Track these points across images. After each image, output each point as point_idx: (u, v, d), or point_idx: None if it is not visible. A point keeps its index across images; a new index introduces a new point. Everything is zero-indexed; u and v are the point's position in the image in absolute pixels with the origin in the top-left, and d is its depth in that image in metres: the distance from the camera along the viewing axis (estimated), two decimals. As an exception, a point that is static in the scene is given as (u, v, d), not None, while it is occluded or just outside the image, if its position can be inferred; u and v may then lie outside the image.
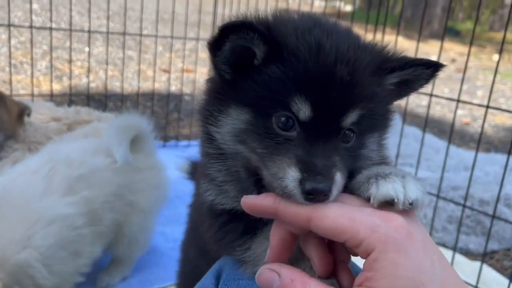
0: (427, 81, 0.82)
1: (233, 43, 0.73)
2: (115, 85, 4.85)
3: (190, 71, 4.79)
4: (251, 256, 0.81)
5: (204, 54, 5.40)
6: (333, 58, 0.72)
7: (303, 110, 0.70)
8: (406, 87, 0.83)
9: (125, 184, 1.79)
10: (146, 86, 4.93)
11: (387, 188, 0.67)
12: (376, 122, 0.78)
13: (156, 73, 4.02)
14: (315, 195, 0.65)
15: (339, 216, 0.63)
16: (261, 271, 0.68)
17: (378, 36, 2.47)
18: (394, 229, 0.62)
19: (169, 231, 2.35)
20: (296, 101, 0.70)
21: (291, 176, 0.67)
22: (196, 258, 1.16)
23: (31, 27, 2.77)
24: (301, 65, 0.71)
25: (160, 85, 5.05)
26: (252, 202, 0.70)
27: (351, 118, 0.72)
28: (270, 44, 0.72)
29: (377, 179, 0.69)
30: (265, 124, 0.72)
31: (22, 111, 2.34)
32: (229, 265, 0.89)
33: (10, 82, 2.97)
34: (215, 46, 0.74)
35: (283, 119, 0.72)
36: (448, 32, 15.05)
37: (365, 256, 0.62)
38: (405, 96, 0.87)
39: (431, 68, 0.80)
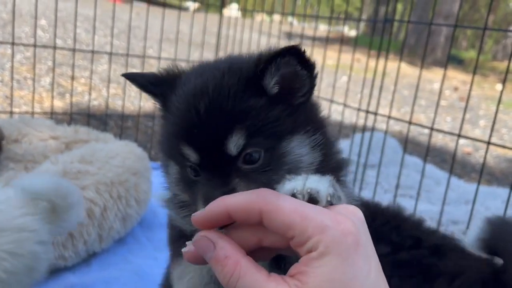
0: (303, 66, 0.77)
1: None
2: (117, 104, 4.85)
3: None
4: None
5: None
6: (194, 97, 0.76)
7: (192, 155, 0.76)
8: (291, 82, 0.79)
9: None
10: (147, 106, 4.93)
11: (290, 184, 0.69)
12: (281, 128, 0.77)
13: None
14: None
15: (292, 211, 0.62)
16: (198, 237, 0.67)
17: (381, 62, 2.47)
18: (342, 233, 0.62)
19: (163, 257, 2.30)
20: (184, 150, 0.76)
21: None
22: None
23: (34, 45, 2.78)
24: (176, 113, 0.78)
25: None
26: (201, 215, 0.68)
27: (233, 143, 0.73)
28: (161, 99, 0.83)
29: (285, 181, 0.72)
30: (185, 174, 0.81)
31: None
32: None
33: (11, 97, 2.97)
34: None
35: (189, 169, 0.79)
36: (451, 61, 15.18)
37: (305, 252, 0.62)
38: (302, 93, 0.82)
39: (287, 54, 0.74)
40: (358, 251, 0.62)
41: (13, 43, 2.73)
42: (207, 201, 0.68)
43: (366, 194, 2.57)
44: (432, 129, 2.01)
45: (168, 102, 0.81)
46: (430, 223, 2.49)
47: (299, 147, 0.79)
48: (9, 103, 3.94)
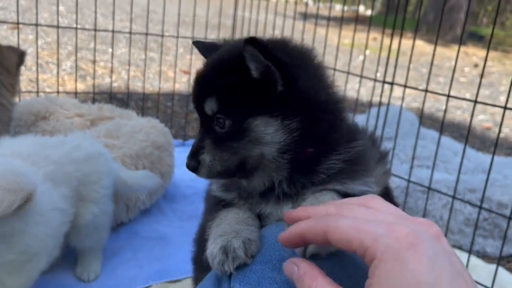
0: (276, 72, 0.89)
1: None
2: (136, 85, 4.95)
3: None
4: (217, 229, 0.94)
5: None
6: (201, 68, 0.98)
7: (196, 112, 0.99)
8: (269, 76, 0.90)
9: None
10: (166, 86, 5.02)
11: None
12: (250, 106, 0.91)
13: (177, 74, 4.09)
14: (192, 170, 0.96)
15: (349, 228, 0.69)
16: (286, 263, 0.78)
17: (396, 40, 2.48)
18: (396, 239, 0.64)
19: (187, 226, 2.41)
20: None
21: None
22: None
23: (57, 27, 2.87)
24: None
25: (180, 86, 5.14)
26: (285, 236, 0.80)
27: (209, 105, 0.92)
28: None
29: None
30: None
31: (22, 57, 2.33)
32: None
33: (37, 81, 3.08)
34: None
35: None
36: (472, 37, 14.82)
37: (370, 264, 0.66)
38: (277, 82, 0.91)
39: (249, 44, 0.85)
40: (418, 257, 0.62)
41: (37, 25, 2.82)
42: (190, 153, 0.96)
43: (383, 165, 2.61)
44: (448, 96, 2.03)
45: None
46: (447, 191, 2.53)
47: (264, 127, 0.91)
48: (33, 86, 4.08)
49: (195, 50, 1.11)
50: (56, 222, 1.58)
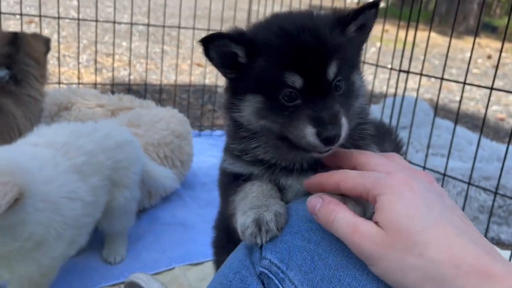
0: (375, 17, 0.99)
1: (216, 50, 0.92)
2: (151, 78, 5.03)
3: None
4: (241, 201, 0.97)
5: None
6: (296, 32, 0.89)
7: (297, 81, 0.87)
8: (364, 29, 0.99)
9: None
10: (180, 79, 5.08)
11: None
12: (353, 63, 0.96)
13: (191, 67, 4.16)
14: (331, 140, 0.85)
15: (355, 176, 0.84)
16: (311, 197, 0.87)
17: (411, 32, 2.50)
18: (392, 179, 0.79)
19: (205, 213, 2.48)
20: (288, 77, 0.87)
21: (309, 132, 0.85)
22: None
23: (78, 19, 2.94)
24: (276, 48, 0.89)
25: (194, 78, 5.20)
26: (307, 182, 0.93)
27: (332, 70, 0.88)
28: (244, 44, 0.91)
29: None
30: (276, 102, 0.90)
31: (47, 44, 2.35)
32: None
33: (59, 73, 3.16)
34: (206, 55, 0.93)
35: (286, 95, 0.89)
36: (485, 29, 14.64)
37: (374, 203, 0.79)
38: (367, 36, 1.02)
39: (373, 7, 0.96)
40: (412, 192, 0.76)
41: (58, 18, 2.89)
42: (317, 121, 0.85)
43: (398, 154, 2.65)
44: (464, 83, 2.05)
45: (255, 47, 0.90)
46: (462, 178, 2.56)
47: (359, 80, 0.98)
48: (51, 79, 4.17)
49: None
50: (73, 211, 1.57)
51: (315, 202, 0.86)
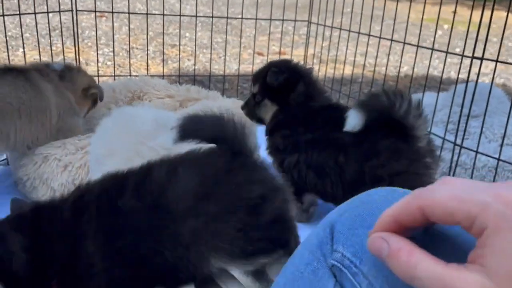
0: None
1: None
2: (213, 68, 5.15)
3: (284, 54, 4.92)
4: None
5: (297, 37, 5.48)
6: None
7: None
8: None
9: None
10: (241, 68, 5.16)
11: None
12: None
13: (252, 56, 4.22)
14: None
15: (449, 199, 0.63)
16: (372, 239, 0.71)
17: (487, 13, 2.35)
18: (506, 206, 0.59)
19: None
20: None
21: None
22: None
23: (146, 14, 3.09)
24: None
25: (255, 67, 5.25)
26: (375, 230, 0.73)
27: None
28: None
29: None
30: None
31: (88, 87, 2.41)
32: (343, 217, 0.97)
33: (129, 64, 3.34)
34: None
35: None
36: None
37: (478, 235, 0.61)
38: None
39: None
40: None
41: (129, 13, 3.05)
42: None
43: (469, 144, 2.54)
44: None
45: None
46: (541, 171, 2.41)
47: None
48: (121, 71, 4.40)
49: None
50: None
51: (379, 246, 0.69)
